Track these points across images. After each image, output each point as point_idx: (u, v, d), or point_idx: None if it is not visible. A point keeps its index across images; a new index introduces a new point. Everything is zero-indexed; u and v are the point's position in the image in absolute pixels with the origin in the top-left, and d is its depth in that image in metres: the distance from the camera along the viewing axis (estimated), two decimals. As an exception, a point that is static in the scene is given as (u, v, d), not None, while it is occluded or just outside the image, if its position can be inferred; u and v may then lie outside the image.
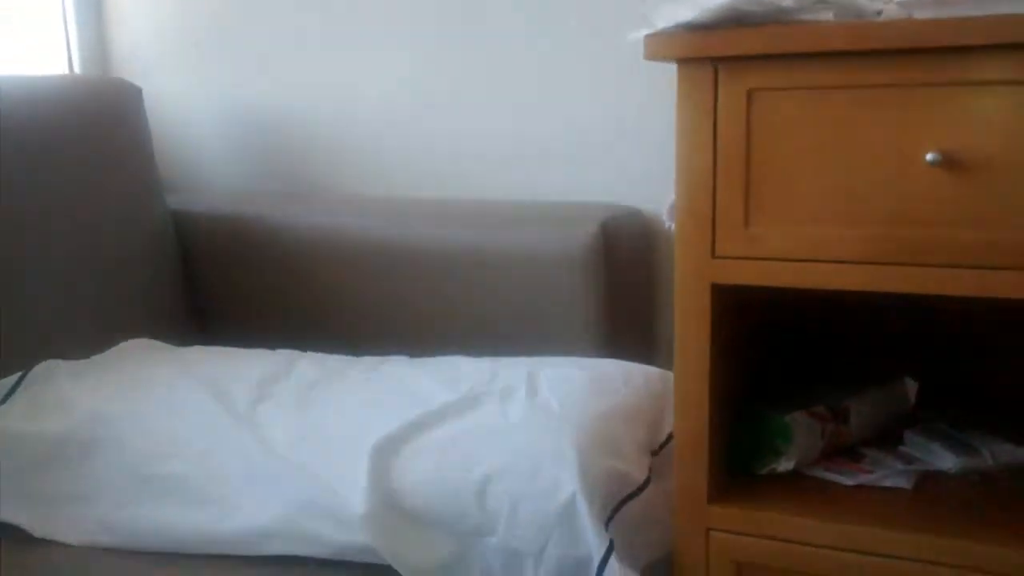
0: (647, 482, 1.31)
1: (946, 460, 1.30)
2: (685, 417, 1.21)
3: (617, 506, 1.26)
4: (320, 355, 1.68)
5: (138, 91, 1.95)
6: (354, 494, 1.23)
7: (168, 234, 1.98)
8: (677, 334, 1.21)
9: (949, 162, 1.04)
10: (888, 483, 1.26)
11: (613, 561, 1.18)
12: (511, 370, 1.50)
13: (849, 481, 1.26)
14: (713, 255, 1.17)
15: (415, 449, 1.28)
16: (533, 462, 1.25)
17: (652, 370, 1.53)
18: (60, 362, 1.57)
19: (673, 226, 1.19)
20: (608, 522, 1.24)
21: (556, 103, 1.85)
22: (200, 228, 2.00)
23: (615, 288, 1.72)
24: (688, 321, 1.19)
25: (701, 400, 1.20)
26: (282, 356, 1.65)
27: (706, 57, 1.11)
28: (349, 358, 1.66)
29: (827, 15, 1.06)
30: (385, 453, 1.27)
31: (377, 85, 1.98)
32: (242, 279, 1.97)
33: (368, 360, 1.64)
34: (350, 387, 1.51)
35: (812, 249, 1.12)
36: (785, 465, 1.26)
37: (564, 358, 1.59)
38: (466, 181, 1.94)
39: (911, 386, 1.42)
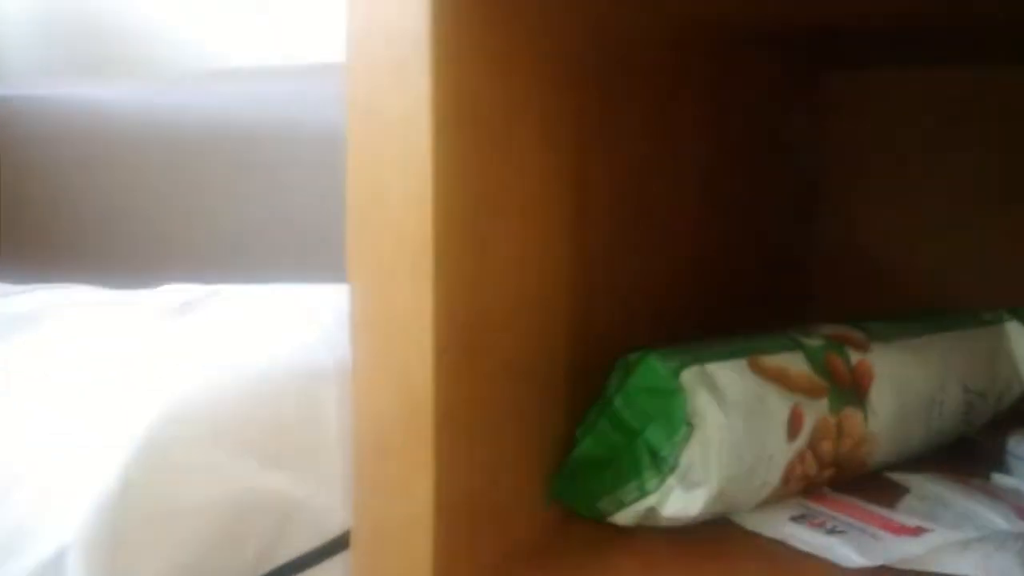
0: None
1: None
2: (366, 367, 0.38)
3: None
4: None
5: None
6: None
7: None
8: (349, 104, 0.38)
9: None
10: (956, 570, 0.40)
11: None
12: (196, 294, 0.68)
13: (861, 559, 0.40)
14: None
15: None
16: None
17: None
18: None
19: None
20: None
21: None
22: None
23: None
24: (376, 69, 0.36)
25: (414, 314, 0.36)
26: None
27: None
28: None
29: None
30: None
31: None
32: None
33: (20, 289, 0.84)
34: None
35: None
36: (681, 503, 0.41)
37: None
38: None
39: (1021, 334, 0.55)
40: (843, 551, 0.41)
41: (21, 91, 1.18)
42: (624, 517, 0.43)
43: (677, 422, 0.41)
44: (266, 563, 0.45)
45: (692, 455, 0.41)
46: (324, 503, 0.47)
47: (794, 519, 0.44)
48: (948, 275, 0.74)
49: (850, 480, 0.49)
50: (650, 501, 0.42)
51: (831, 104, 0.76)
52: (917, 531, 0.42)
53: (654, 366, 0.41)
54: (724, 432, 0.41)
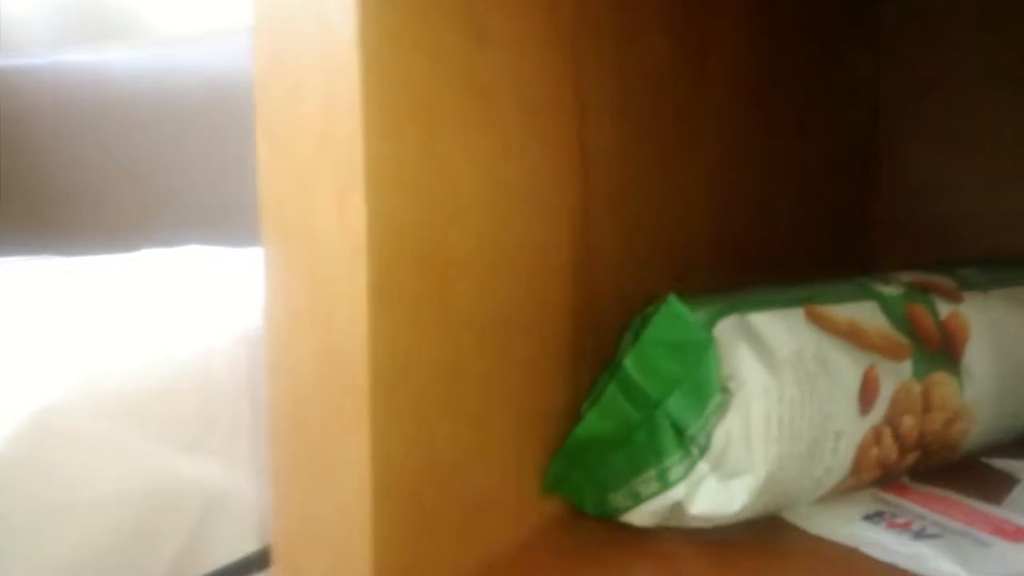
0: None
1: None
2: (282, 317, 0.27)
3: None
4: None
5: None
6: None
7: None
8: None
9: None
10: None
11: None
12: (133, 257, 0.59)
13: (966, 575, 0.29)
14: None
15: None
16: None
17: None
18: None
19: None
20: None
21: None
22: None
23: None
24: None
25: (341, 242, 0.26)
26: None
27: None
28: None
29: None
30: None
31: None
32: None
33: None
34: None
35: None
36: (717, 497, 0.30)
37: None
38: None
39: None
40: (940, 563, 0.29)
41: (11, 61, 1.10)
42: (641, 515, 0.32)
43: (709, 387, 0.30)
44: (186, 566, 0.35)
45: (730, 432, 0.30)
46: (259, 493, 0.37)
47: (868, 518, 0.33)
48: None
49: (938, 467, 0.38)
50: (675, 494, 0.31)
51: (888, 36, 0.64)
52: (1040, 535, 0.31)
53: (678, 313, 0.30)
54: (773, 401, 0.30)
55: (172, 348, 0.38)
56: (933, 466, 0.37)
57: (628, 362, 0.31)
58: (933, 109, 0.63)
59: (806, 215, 0.56)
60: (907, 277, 0.39)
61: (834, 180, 0.60)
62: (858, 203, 0.64)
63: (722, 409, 0.30)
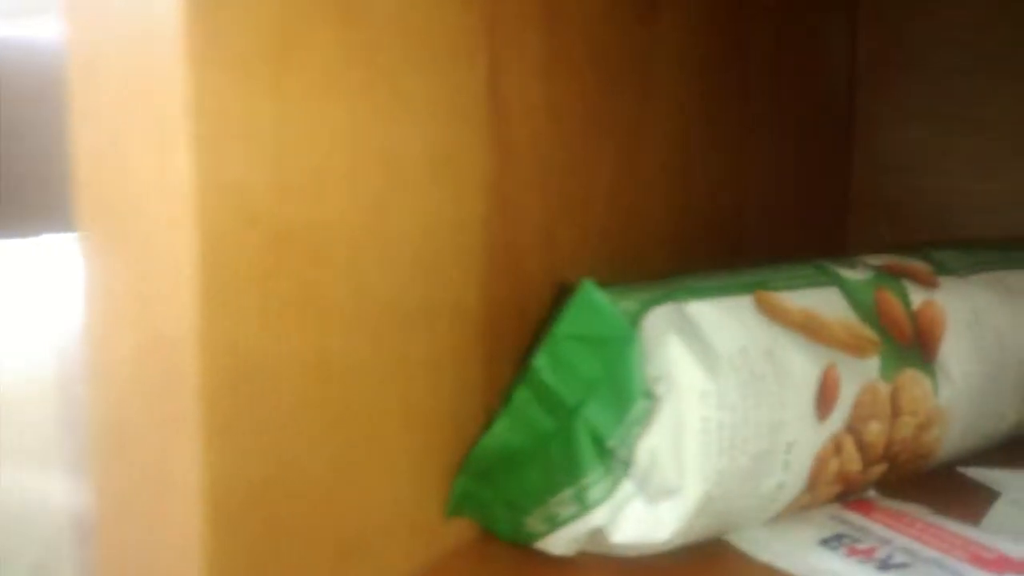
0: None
1: None
2: (100, 306, 0.22)
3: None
4: None
5: None
6: None
7: None
8: None
9: None
10: None
11: None
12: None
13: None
14: None
15: None
16: None
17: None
18: None
19: None
20: None
21: None
22: None
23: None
24: None
25: (163, 209, 0.21)
26: None
27: None
28: None
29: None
30: None
31: None
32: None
33: None
34: None
35: None
36: (643, 522, 0.25)
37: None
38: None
39: None
40: (908, 601, 0.25)
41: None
42: (558, 542, 0.27)
43: (632, 391, 0.24)
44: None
45: (658, 444, 0.25)
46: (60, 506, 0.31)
47: (826, 543, 0.28)
48: (1012, 214, 0.57)
49: (910, 479, 0.33)
50: (596, 518, 0.26)
51: (868, 1, 0.59)
52: (1026, 565, 0.26)
53: (594, 301, 0.25)
54: (711, 406, 0.25)
55: (19, 346, 0.32)
56: (904, 477, 0.32)
57: (539, 361, 0.26)
58: (915, 81, 0.58)
59: (776, 196, 0.51)
60: (876, 260, 0.34)
61: (807, 157, 0.55)
62: (835, 183, 0.60)
63: (646, 417, 0.25)
